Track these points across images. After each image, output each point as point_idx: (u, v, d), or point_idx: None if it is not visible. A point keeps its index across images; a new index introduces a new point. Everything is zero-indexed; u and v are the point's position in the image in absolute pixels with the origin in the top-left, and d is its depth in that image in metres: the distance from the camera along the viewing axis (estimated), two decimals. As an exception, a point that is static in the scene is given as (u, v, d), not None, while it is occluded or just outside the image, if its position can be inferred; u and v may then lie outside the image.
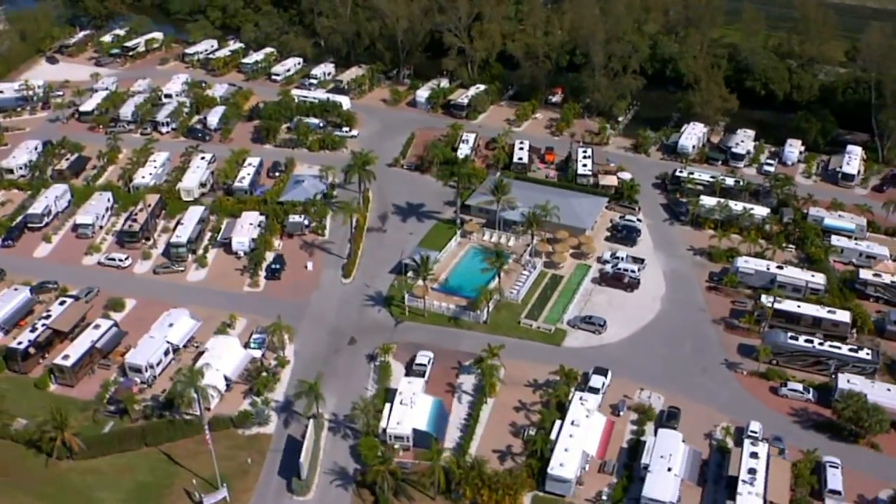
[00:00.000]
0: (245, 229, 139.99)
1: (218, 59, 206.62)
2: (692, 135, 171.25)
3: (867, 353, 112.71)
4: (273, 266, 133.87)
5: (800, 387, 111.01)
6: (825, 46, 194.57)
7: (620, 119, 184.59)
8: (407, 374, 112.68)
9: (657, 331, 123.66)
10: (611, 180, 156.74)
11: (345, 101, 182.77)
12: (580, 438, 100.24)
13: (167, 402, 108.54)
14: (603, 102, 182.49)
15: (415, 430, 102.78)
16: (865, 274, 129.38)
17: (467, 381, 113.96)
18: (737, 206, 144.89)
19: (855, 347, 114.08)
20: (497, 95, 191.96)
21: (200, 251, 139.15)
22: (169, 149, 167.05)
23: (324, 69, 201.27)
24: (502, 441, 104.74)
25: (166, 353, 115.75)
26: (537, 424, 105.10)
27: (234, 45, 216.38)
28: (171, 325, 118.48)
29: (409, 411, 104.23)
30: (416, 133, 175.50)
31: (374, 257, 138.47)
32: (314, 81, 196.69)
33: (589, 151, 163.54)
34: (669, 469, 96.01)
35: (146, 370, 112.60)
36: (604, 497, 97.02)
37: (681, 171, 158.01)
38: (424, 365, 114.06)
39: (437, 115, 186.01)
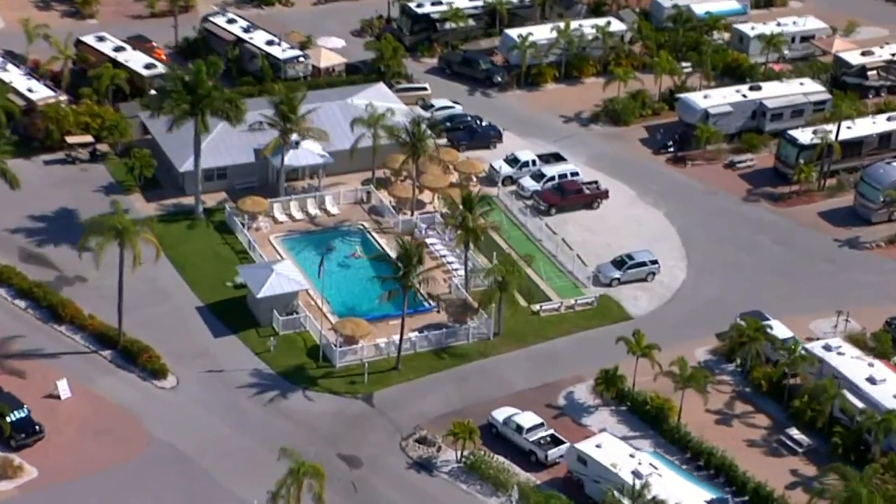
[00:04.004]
0: None
1: None
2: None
3: None
4: (23, 422, 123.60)
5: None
6: None
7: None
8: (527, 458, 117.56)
9: (705, 244, 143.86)
10: (332, 58, 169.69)
11: None
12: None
13: None
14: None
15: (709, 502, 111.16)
16: (853, 57, 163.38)
17: (606, 419, 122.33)
18: (584, 27, 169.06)
19: None
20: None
21: None
22: None
23: None
24: (768, 468, 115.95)
25: None
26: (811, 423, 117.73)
27: None
28: None
29: (664, 482, 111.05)
30: None
31: (150, 327, 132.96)
32: None
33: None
34: None
35: None
36: None
37: (418, 6, 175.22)
38: (541, 425, 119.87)
39: None
